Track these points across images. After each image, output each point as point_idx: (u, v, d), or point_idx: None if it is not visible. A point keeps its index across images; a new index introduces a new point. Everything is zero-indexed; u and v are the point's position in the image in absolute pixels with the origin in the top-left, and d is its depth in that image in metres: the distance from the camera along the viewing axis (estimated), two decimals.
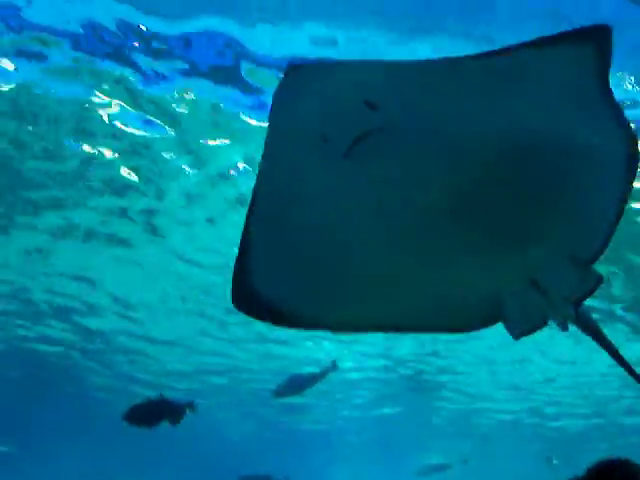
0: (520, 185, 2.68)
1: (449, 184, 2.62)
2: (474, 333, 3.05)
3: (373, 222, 2.71)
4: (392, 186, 2.62)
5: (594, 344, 3.30)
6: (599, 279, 2.80)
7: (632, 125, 2.71)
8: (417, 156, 2.57)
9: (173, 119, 8.45)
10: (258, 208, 2.77)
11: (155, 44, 7.25)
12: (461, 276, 2.86)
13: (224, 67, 7.55)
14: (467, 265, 2.81)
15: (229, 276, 2.80)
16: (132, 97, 8.11)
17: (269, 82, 7.54)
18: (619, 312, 13.33)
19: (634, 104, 7.33)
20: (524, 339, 2.88)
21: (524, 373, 19.27)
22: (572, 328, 3.03)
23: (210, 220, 10.82)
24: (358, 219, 2.71)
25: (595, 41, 2.53)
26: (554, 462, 24.01)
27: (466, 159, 2.60)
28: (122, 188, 10.07)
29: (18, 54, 7.44)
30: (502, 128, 2.59)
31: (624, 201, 2.71)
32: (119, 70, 7.65)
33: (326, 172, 2.63)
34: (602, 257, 2.80)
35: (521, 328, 2.91)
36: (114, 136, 8.84)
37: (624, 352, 3.34)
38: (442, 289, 2.89)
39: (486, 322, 2.99)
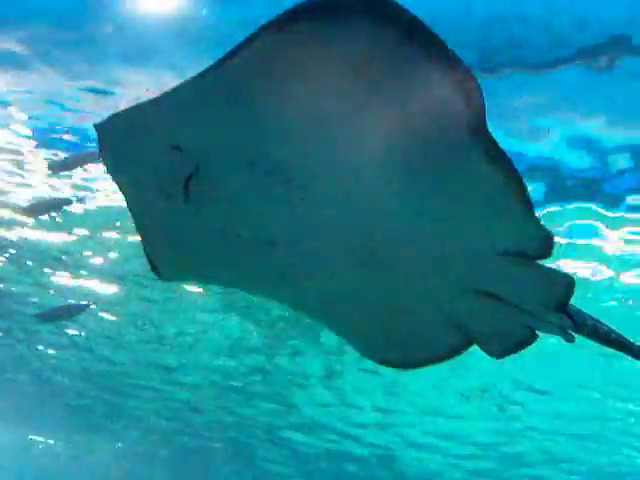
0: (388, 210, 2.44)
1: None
2: None
3: (257, 262, 2.65)
4: (240, 225, 2.54)
5: None
6: (568, 280, 2.65)
7: None
8: (240, 194, 2.44)
9: None
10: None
11: None
12: (389, 308, 2.76)
13: None
14: (391, 295, 2.71)
15: None
16: None
17: None
18: None
19: None
20: None
21: None
22: None
23: None
24: (242, 262, 2.68)
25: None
26: None
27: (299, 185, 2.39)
28: None
29: None
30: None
31: (521, 192, 2.43)
32: None
33: (179, 217, 2.57)
34: None
35: (498, 346, 2.80)
36: None
37: None
38: (378, 323, 2.81)
39: (456, 348, 2.87)
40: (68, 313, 12.26)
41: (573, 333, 2.77)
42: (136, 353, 15.72)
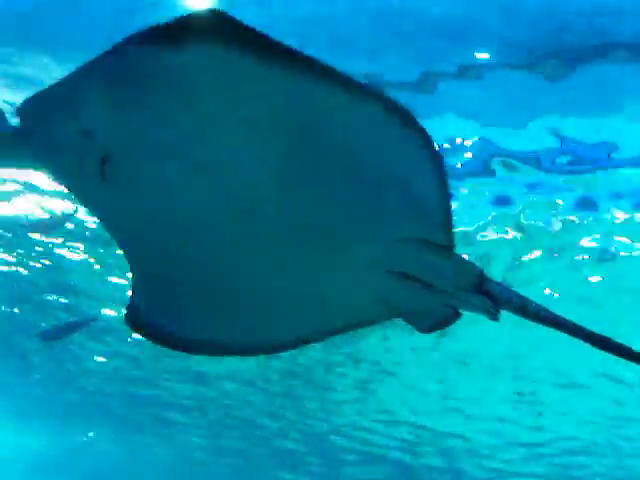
0: (313, 188, 2.50)
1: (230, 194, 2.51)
2: None
3: (181, 238, 2.67)
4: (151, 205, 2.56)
5: None
6: (476, 270, 2.76)
7: None
8: (146, 176, 2.47)
9: None
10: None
11: None
12: (324, 281, 2.80)
13: None
14: (319, 269, 2.74)
15: None
16: None
17: None
18: None
19: None
20: None
21: None
22: None
23: None
24: (167, 238, 2.69)
25: None
26: None
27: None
28: None
29: None
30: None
31: (442, 182, 2.55)
32: None
33: (101, 196, 2.57)
34: None
35: (423, 322, 2.92)
36: None
37: None
38: (313, 294, 2.86)
39: (383, 316, 2.96)
40: (72, 330, 12.09)
41: (498, 311, 2.81)
42: None
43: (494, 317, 2.83)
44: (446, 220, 2.65)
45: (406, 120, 2.38)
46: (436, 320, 2.91)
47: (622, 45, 5.79)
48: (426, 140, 2.43)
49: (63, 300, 13.39)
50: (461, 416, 15.89)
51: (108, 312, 13.16)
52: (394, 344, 12.50)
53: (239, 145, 2.37)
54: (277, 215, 2.58)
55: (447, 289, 2.76)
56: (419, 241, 2.67)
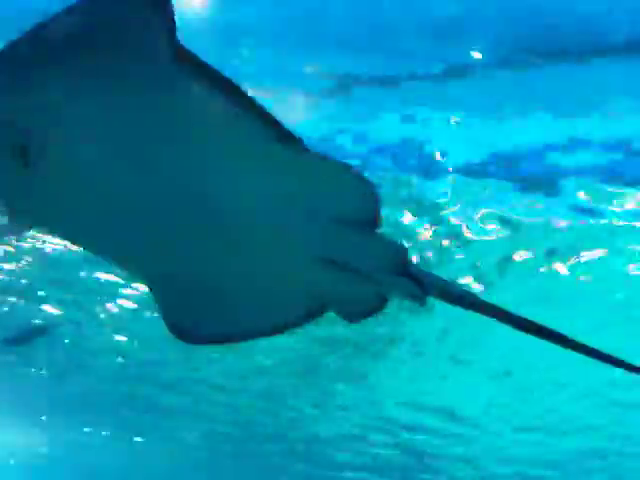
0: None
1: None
2: None
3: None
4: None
5: None
6: (401, 247, 2.80)
7: None
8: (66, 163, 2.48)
9: None
10: None
11: None
12: (241, 273, 2.84)
13: None
14: (249, 259, 2.78)
15: None
16: None
17: None
18: None
19: None
20: None
21: None
22: None
23: None
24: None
25: None
26: None
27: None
28: None
29: None
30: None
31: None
32: None
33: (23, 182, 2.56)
34: None
35: (351, 312, 2.94)
36: None
37: None
38: (248, 287, 2.89)
39: (310, 314, 2.98)
40: (36, 334, 11.77)
41: (424, 296, 2.84)
42: None
43: (421, 302, 2.86)
44: (362, 197, 2.66)
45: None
46: (364, 308, 2.94)
47: (611, 44, 5.85)
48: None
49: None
50: None
51: None
52: None
53: (149, 134, 2.43)
54: (195, 204, 2.61)
55: (372, 272, 2.77)
56: (340, 221, 2.68)
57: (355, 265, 2.76)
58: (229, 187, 2.57)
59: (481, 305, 2.86)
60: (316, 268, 2.78)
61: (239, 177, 2.55)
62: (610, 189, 7.52)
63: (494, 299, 2.96)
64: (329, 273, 2.78)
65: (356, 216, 2.68)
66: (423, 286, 2.81)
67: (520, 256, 8.98)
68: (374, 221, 2.72)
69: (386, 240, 2.81)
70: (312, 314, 2.98)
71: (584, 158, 7.15)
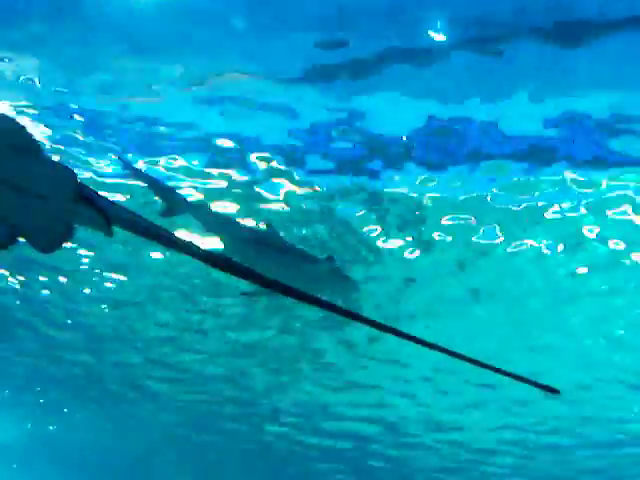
0: None
1: None
2: None
3: None
4: None
5: None
6: (70, 174, 2.79)
7: None
8: None
9: None
10: None
11: None
12: None
13: None
14: None
15: None
16: None
17: None
18: None
19: None
20: None
21: None
22: None
23: None
24: None
25: None
26: None
27: None
28: None
29: None
30: None
31: None
32: None
33: None
34: None
35: (41, 240, 2.96)
36: None
37: None
38: None
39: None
40: None
41: (109, 224, 2.80)
42: None
43: (107, 231, 2.86)
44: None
45: None
46: (53, 237, 2.94)
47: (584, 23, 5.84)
48: None
49: None
50: None
51: None
52: None
53: None
54: None
55: (47, 196, 2.77)
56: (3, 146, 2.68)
57: (27, 187, 2.74)
58: None
59: (171, 239, 2.81)
60: None
61: None
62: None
63: None
64: (5, 195, 2.78)
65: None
66: (103, 212, 2.80)
67: None
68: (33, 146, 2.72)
69: (55, 164, 2.81)
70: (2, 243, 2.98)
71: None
